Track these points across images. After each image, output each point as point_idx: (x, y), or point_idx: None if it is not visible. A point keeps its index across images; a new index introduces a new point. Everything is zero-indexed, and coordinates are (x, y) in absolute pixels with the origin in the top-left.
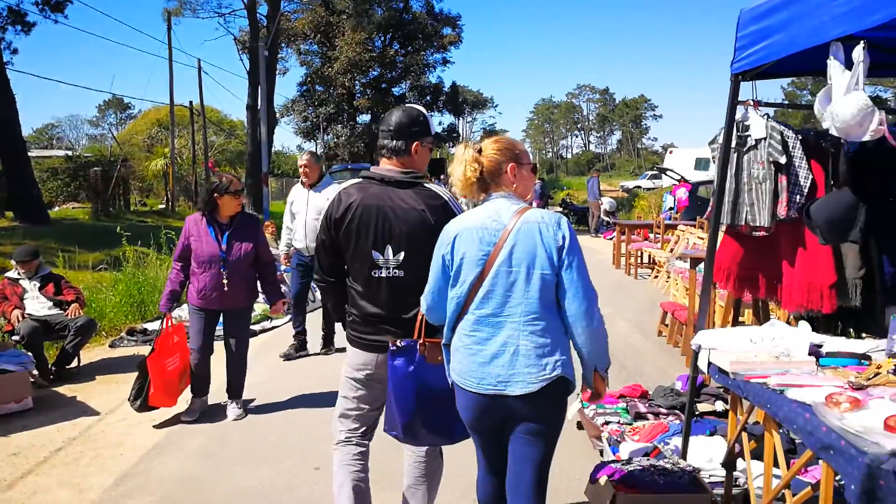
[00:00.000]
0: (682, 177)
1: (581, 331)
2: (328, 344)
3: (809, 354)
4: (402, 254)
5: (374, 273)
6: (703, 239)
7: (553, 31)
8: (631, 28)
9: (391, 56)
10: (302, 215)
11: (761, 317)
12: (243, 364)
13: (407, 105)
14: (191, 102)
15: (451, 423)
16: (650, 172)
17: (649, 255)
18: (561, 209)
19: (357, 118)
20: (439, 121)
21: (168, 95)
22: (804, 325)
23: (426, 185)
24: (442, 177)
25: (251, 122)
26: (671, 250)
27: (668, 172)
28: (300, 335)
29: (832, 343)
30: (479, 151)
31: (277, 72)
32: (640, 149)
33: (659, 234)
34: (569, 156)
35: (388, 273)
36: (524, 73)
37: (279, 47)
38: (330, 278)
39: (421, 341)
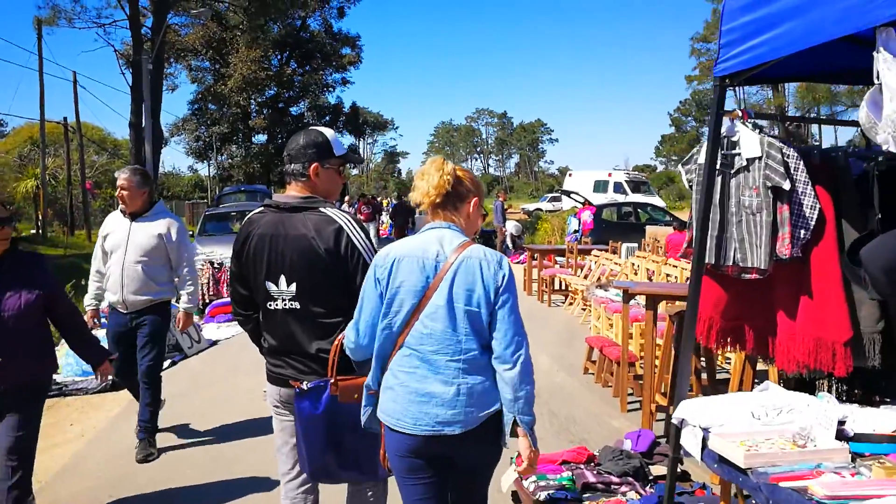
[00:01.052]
0: (587, 199)
1: (502, 374)
2: None
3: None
4: (295, 284)
5: (270, 305)
6: (619, 265)
7: (453, 54)
8: (528, 53)
9: (288, 75)
10: (120, 254)
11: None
12: (23, 470)
13: (309, 128)
14: (64, 119)
15: (373, 459)
16: (550, 195)
17: (562, 282)
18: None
19: (253, 138)
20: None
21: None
22: (827, 397)
23: (322, 209)
24: (347, 199)
25: (135, 140)
26: (585, 276)
27: (572, 195)
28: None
29: (859, 417)
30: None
31: (165, 88)
32: (538, 171)
33: (572, 258)
34: None
35: (284, 304)
36: (424, 95)
37: (168, 62)
38: (243, 311)
39: (333, 380)
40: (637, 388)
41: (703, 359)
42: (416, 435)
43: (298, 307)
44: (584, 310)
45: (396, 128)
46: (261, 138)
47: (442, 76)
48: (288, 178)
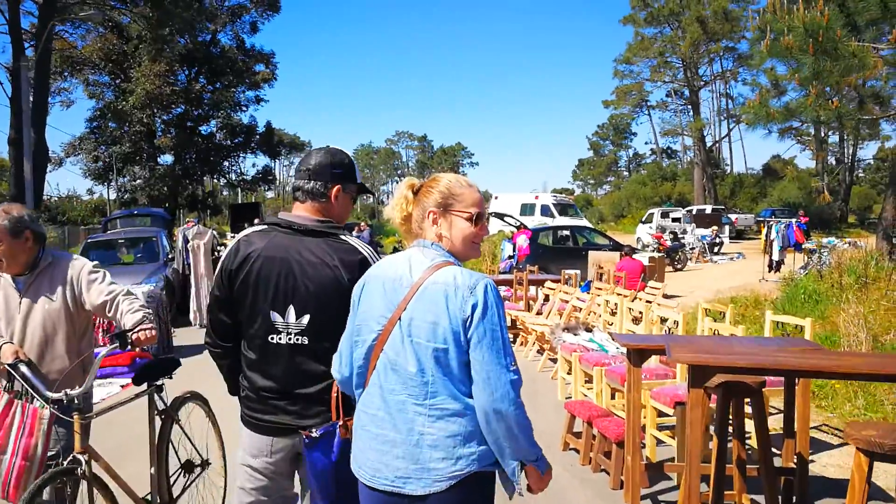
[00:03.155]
0: (522, 223)
1: (494, 425)
2: None
3: None
4: (307, 317)
5: (272, 338)
6: (582, 300)
7: (372, 76)
8: (448, 76)
9: (197, 91)
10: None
11: None
12: None
13: (331, 146)
14: None
15: None
16: None
17: (513, 319)
18: None
19: (158, 158)
20: (253, 163)
21: None
22: None
23: (343, 236)
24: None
25: (15, 158)
26: (539, 312)
27: (505, 218)
28: None
29: None
30: (415, 190)
31: (59, 103)
32: None
33: (520, 290)
34: (388, 201)
35: (289, 339)
36: (343, 117)
37: (62, 76)
38: (223, 343)
39: (341, 422)
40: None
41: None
42: (376, 489)
43: (307, 343)
44: (540, 353)
45: None
46: (167, 159)
47: (361, 98)
48: (302, 195)
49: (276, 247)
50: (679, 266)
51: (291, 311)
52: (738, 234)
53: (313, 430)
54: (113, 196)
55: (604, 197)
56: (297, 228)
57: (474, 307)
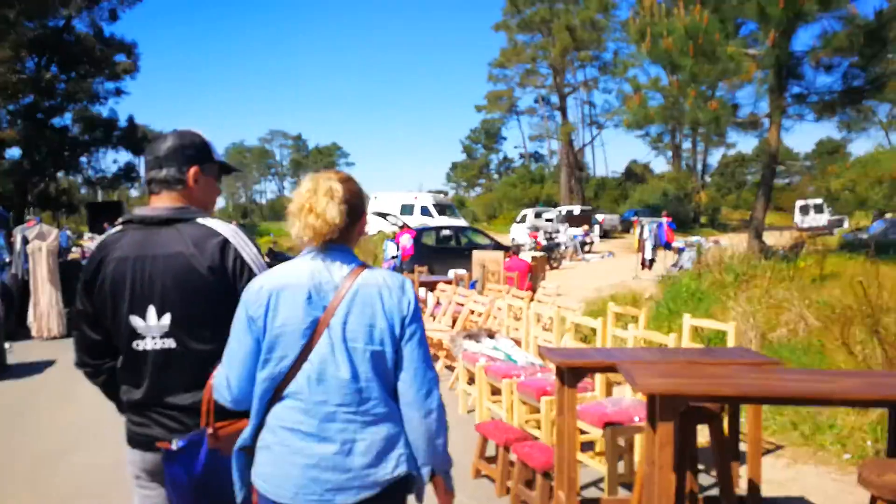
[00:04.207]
0: (405, 223)
1: (417, 423)
2: None
3: None
4: (168, 316)
5: (136, 345)
6: (481, 304)
7: (245, 73)
8: (323, 76)
9: (48, 80)
10: None
11: None
12: None
13: (179, 129)
14: None
15: None
16: None
17: None
18: (268, 259)
19: (3, 152)
20: (114, 159)
21: None
22: None
23: (199, 220)
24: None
25: None
26: (433, 315)
27: (388, 217)
28: None
29: None
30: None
31: None
32: None
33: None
34: (263, 201)
35: (154, 344)
36: (214, 114)
37: None
38: (93, 360)
39: (211, 430)
40: None
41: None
42: None
43: (174, 345)
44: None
45: None
46: (13, 153)
47: (233, 95)
48: (155, 187)
49: (128, 245)
50: (555, 265)
51: (152, 311)
52: (604, 234)
53: (173, 441)
54: None
55: (476, 198)
56: (148, 221)
57: (409, 305)
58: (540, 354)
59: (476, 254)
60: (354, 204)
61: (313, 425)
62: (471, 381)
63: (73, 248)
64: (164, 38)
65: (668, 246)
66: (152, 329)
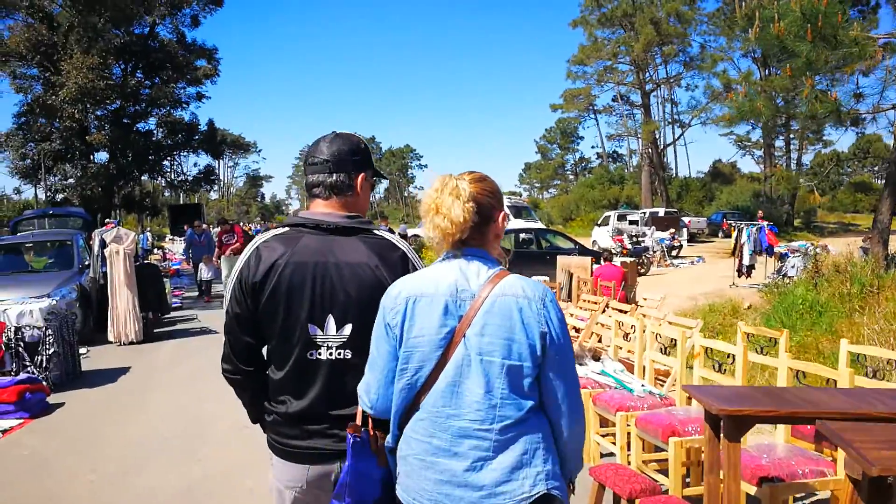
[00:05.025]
0: None
1: (563, 445)
2: None
3: None
4: (349, 327)
5: (311, 354)
6: (604, 325)
7: (319, 76)
8: (396, 77)
9: (133, 86)
10: None
11: None
12: None
13: (340, 131)
14: None
15: None
16: None
17: None
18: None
19: (91, 156)
20: (195, 162)
21: None
22: None
23: (377, 231)
24: (196, 224)
25: None
26: None
27: None
28: None
29: None
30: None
31: None
32: (407, 197)
33: None
34: None
35: (330, 354)
36: (288, 118)
37: None
38: (246, 367)
39: (372, 433)
40: None
41: None
42: None
43: (350, 357)
44: None
45: (259, 150)
46: (101, 156)
47: (307, 98)
48: (324, 191)
49: (306, 250)
50: (643, 271)
51: (331, 321)
52: (691, 238)
53: (360, 428)
54: (41, 195)
55: (551, 200)
56: (325, 228)
57: (550, 320)
58: (671, 389)
59: (560, 259)
60: (485, 203)
61: (446, 440)
62: None
63: (155, 250)
64: (240, 43)
65: (769, 251)
66: (330, 339)
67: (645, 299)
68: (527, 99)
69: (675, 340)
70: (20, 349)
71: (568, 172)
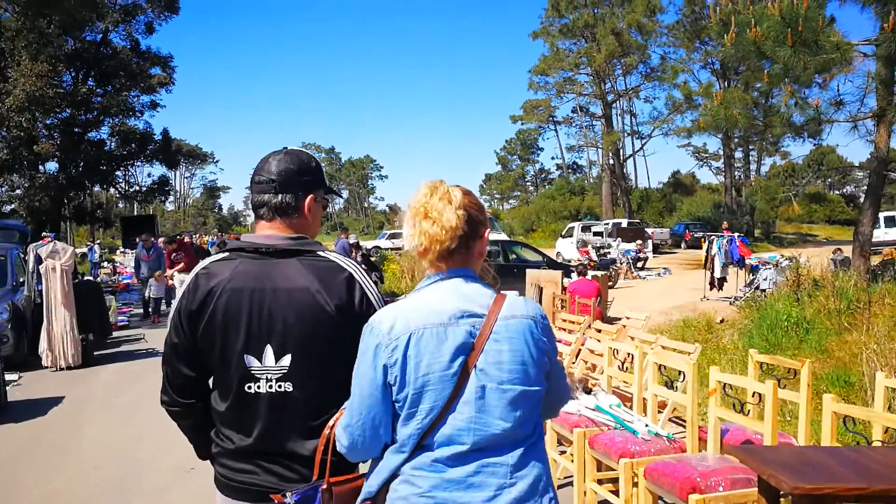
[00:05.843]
0: None
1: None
2: None
3: None
4: (289, 357)
5: (249, 387)
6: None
7: (277, 87)
8: (355, 88)
9: (84, 94)
10: None
11: None
12: None
13: (290, 148)
14: None
15: None
16: (389, 232)
17: None
18: (217, 250)
19: (40, 166)
20: (149, 172)
21: None
22: None
23: (321, 252)
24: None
25: None
26: None
27: None
28: None
29: None
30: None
31: None
32: (367, 208)
33: None
34: None
35: (269, 387)
36: (247, 128)
37: None
38: (185, 399)
39: (324, 486)
40: None
41: None
42: None
43: (291, 389)
44: None
45: (217, 161)
46: (50, 166)
47: (266, 108)
48: (268, 212)
49: (243, 276)
50: (611, 283)
51: (269, 351)
52: (654, 249)
53: (287, 494)
54: None
55: (511, 210)
56: (264, 251)
57: (550, 338)
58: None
59: (530, 273)
60: (474, 214)
61: (461, 472)
62: (560, 443)
63: (104, 263)
64: (196, 51)
65: (741, 263)
66: (269, 371)
67: (628, 318)
68: (487, 110)
69: (683, 373)
70: None
71: (528, 183)
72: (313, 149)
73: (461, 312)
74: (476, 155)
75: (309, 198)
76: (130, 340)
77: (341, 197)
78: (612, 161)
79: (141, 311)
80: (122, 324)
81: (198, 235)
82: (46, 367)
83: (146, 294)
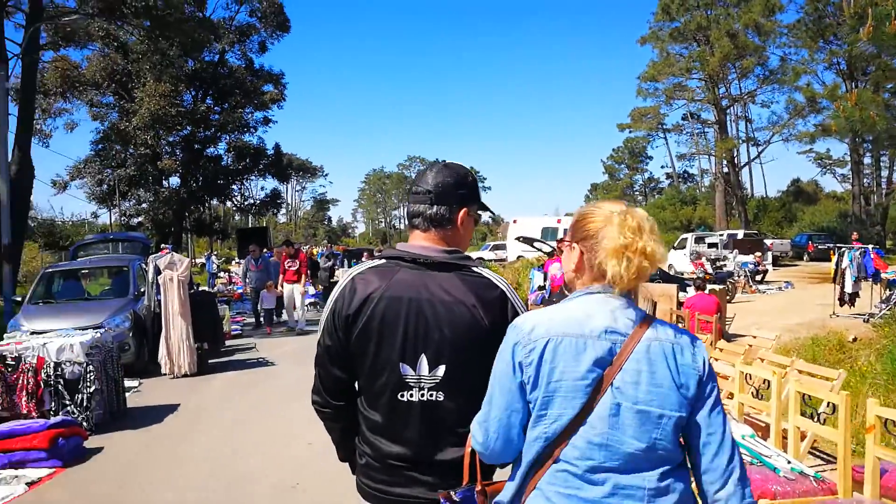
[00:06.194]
0: (554, 249)
1: (723, 497)
2: None
3: None
4: (443, 368)
5: (402, 395)
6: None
7: (384, 101)
8: (460, 100)
9: (203, 112)
10: None
11: None
12: None
13: (447, 161)
14: None
15: None
16: (492, 243)
17: None
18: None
19: (163, 181)
20: (262, 185)
21: None
22: None
23: (475, 268)
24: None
25: None
26: None
27: (535, 244)
28: None
29: None
30: None
31: (65, 126)
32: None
33: None
34: (402, 226)
35: (422, 395)
36: (354, 142)
37: (64, 96)
38: (336, 401)
39: (479, 487)
40: None
41: None
42: None
43: (442, 399)
44: None
45: (326, 174)
46: (173, 182)
47: (372, 122)
48: (423, 223)
49: (401, 285)
50: (728, 298)
51: (424, 361)
52: (774, 261)
53: (453, 491)
54: (113, 219)
55: None
56: (422, 262)
57: (704, 364)
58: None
59: (642, 286)
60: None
61: (596, 493)
62: None
63: (221, 273)
64: (306, 67)
65: (875, 277)
66: (423, 380)
67: (755, 337)
68: (592, 118)
69: (834, 405)
70: (59, 387)
71: (636, 193)
72: (418, 161)
73: (605, 328)
74: (581, 164)
75: (463, 211)
76: (242, 350)
77: (492, 213)
78: (726, 169)
79: (252, 320)
80: (235, 333)
81: (308, 247)
82: (164, 375)
83: (258, 305)
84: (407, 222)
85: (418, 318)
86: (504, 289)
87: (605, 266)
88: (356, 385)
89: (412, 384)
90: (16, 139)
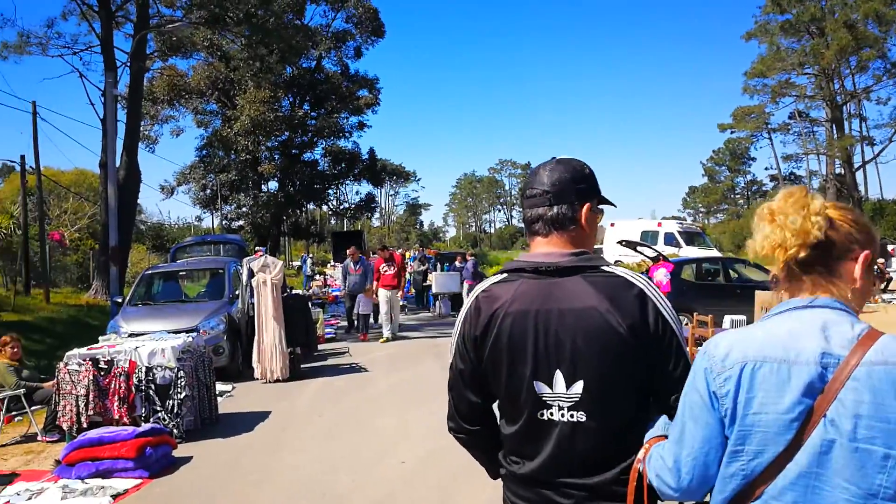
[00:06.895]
0: (660, 254)
1: None
2: None
3: None
4: (581, 384)
5: (542, 414)
6: None
7: (474, 105)
8: (551, 103)
9: (300, 117)
10: None
11: None
12: None
13: (561, 157)
14: (21, 157)
15: None
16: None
17: None
18: (424, 267)
19: (262, 186)
20: (356, 190)
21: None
22: None
23: (605, 267)
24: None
25: (103, 182)
26: None
27: (638, 248)
28: None
29: None
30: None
31: (171, 133)
32: None
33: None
34: (492, 230)
35: (562, 415)
36: (446, 147)
37: (171, 104)
38: (470, 426)
39: None
40: None
41: None
42: None
43: (584, 419)
44: None
45: (418, 179)
46: (271, 186)
47: (463, 127)
48: (543, 227)
49: (525, 297)
50: None
51: (559, 377)
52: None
53: None
54: (215, 223)
55: (718, 225)
56: (543, 270)
57: None
58: None
59: (759, 295)
60: (843, 229)
61: None
62: None
63: (316, 276)
64: (398, 72)
65: None
66: (561, 397)
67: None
68: (691, 118)
69: None
70: (150, 392)
71: (738, 196)
72: (509, 165)
73: (814, 350)
74: (679, 166)
75: (585, 207)
76: (336, 354)
77: (615, 206)
78: (840, 170)
79: (346, 323)
80: (328, 336)
81: (401, 250)
82: (257, 380)
83: (355, 310)
84: (525, 230)
85: (547, 330)
86: (642, 286)
87: (863, 276)
88: (494, 407)
89: (550, 402)
90: (124, 145)
